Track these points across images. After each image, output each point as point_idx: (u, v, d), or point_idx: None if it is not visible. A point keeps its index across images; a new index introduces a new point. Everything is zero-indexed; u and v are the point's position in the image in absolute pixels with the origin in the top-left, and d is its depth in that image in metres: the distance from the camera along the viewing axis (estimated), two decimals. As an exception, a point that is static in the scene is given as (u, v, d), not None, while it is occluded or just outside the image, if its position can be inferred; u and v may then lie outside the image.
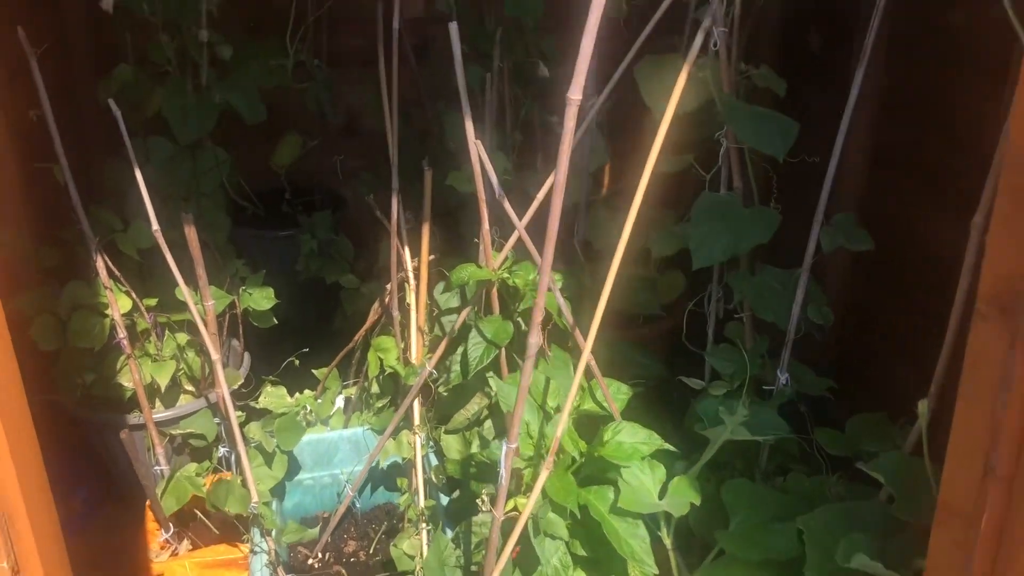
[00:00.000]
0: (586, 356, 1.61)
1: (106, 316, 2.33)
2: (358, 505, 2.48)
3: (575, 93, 1.26)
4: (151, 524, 2.33)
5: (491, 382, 1.99)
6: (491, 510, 1.59)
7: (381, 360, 2.44)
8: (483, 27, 3.04)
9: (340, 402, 2.60)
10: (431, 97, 3.31)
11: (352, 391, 2.61)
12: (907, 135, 2.36)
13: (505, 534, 1.61)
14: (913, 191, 2.33)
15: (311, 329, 2.81)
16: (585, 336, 1.68)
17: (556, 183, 1.32)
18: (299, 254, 3.13)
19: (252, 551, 2.10)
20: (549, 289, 1.83)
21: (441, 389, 2.35)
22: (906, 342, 2.32)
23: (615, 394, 1.89)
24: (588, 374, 1.89)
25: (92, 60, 2.88)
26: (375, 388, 2.61)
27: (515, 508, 1.61)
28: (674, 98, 1.60)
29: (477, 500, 1.69)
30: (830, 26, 2.80)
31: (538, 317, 1.41)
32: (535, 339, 1.43)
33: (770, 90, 2.09)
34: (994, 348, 1.08)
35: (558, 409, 1.83)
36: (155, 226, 2.02)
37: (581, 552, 1.78)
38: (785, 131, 1.93)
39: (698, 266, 2.03)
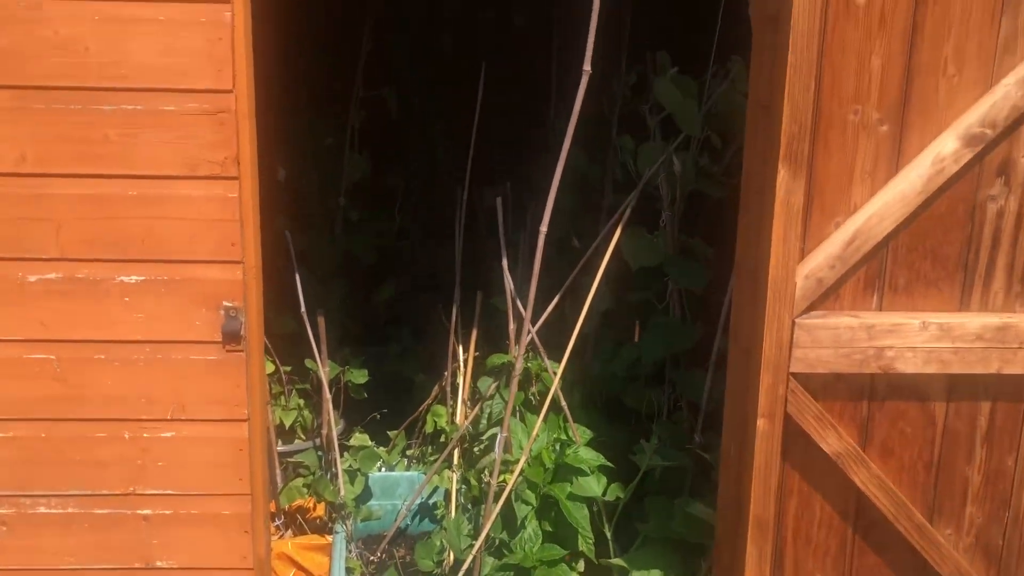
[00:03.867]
0: (555, 385, 2.67)
1: (257, 375, 3.49)
2: (410, 525, 3.48)
3: (544, 226, 2.40)
4: (267, 521, 3.38)
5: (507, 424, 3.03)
6: (489, 480, 2.61)
7: (435, 422, 3.52)
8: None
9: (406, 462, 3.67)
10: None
11: (415, 452, 3.68)
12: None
13: (496, 497, 2.62)
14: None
15: (389, 412, 3.91)
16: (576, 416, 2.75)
17: (532, 286, 2.45)
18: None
19: (335, 532, 3.12)
20: (538, 355, 2.92)
21: (475, 450, 3.39)
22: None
23: (581, 433, 2.93)
24: (564, 419, 2.93)
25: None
26: (431, 452, 3.67)
27: (504, 481, 2.63)
28: (608, 251, 2.73)
29: (481, 475, 2.70)
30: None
31: (522, 348, 2.50)
32: (519, 364, 2.51)
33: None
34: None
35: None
36: (303, 308, 3.21)
37: (548, 529, 2.76)
38: (700, 275, 3.04)
39: (647, 359, 3.09)
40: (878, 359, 2.00)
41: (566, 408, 2.90)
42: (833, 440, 2.04)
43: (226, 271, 2.00)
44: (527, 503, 2.67)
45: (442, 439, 3.63)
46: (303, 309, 3.25)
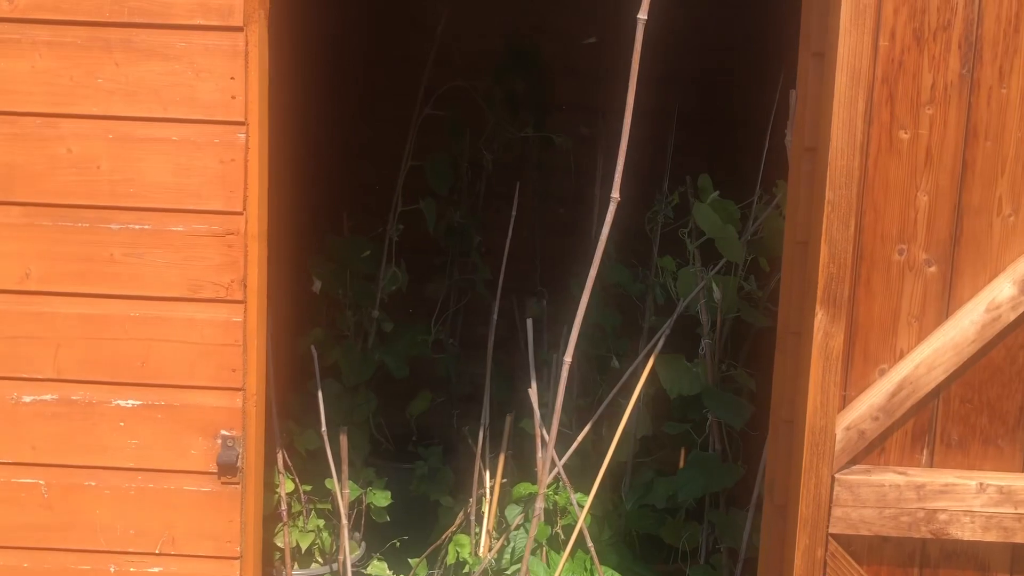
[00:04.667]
0: (580, 524, 2.49)
1: (276, 493, 3.36)
2: (426, 664, 3.26)
3: (568, 356, 2.27)
4: (275, 652, 3.20)
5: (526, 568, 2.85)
6: (506, 628, 2.42)
7: (458, 552, 3.33)
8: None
9: (426, 590, 3.47)
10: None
11: (436, 580, 3.48)
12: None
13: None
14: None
15: (412, 537, 3.75)
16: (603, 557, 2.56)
17: (554, 417, 2.31)
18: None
19: (344, 670, 2.92)
20: (563, 487, 2.75)
21: (499, 581, 3.19)
22: None
23: (608, 577, 2.72)
24: (591, 560, 2.74)
25: (294, 322, 4.15)
26: (453, 579, 3.47)
27: (521, 630, 2.43)
28: (641, 382, 2.58)
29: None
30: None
31: (543, 484, 2.34)
32: (540, 503, 2.34)
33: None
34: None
35: (568, 583, 2.67)
36: (323, 427, 3.10)
37: None
38: (742, 411, 2.85)
39: (683, 497, 2.89)
40: (929, 523, 1.80)
41: (592, 550, 2.71)
42: (879, 612, 1.83)
43: (225, 398, 1.90)
44: (546, 657, 2.46)
45: (465, 571, 3.43)
46: (324, 428, 3.12)
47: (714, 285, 2.89)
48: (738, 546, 2.82)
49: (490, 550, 3.30)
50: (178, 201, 1.86)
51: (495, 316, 3.42)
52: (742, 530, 2.82)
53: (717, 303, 2.91)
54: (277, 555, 3.37)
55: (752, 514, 2.80)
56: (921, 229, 1.80)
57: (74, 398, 1.90)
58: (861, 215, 1.79)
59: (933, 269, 1.81)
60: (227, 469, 1.90)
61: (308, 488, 3.44)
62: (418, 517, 3.95)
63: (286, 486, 3.37)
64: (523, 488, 3.01)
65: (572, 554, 2.94)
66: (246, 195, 1.86)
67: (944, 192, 1.79)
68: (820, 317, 1.77)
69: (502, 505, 3.35)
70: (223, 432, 1.90)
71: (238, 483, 1.92)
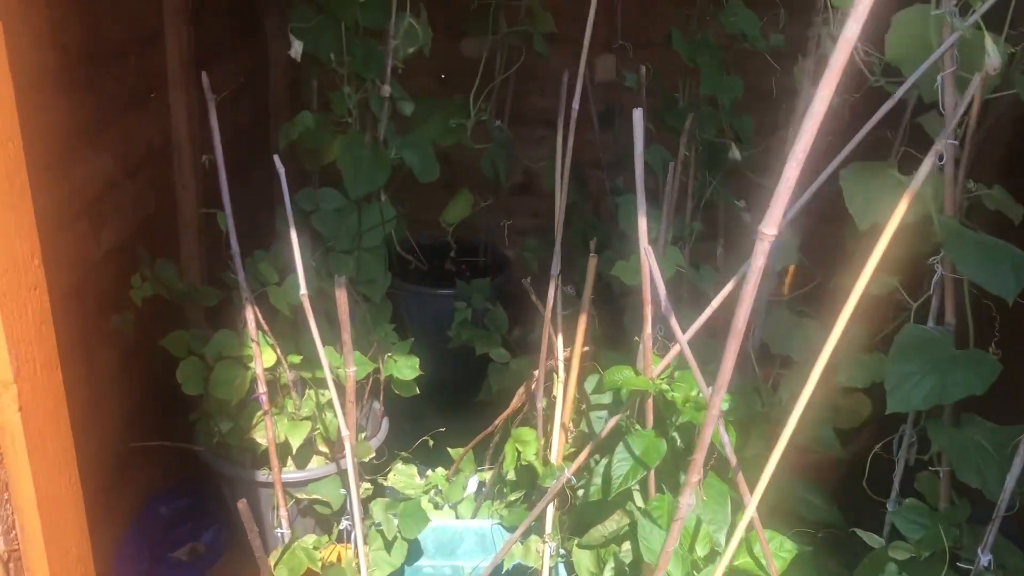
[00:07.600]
0: (750, 512, 1.37)
1: (249, 368, 2.28)
2: (477, 606, 2.30)
3: (769, 228, 1.04)
4: (265, 586, 2.25)
5: (634, 505, 1.78)
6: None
7: (519, 452, 2.27)
8: (674, 102, 2.85)
9: (472, 486, 2.45)
10: (610, 165, 3.17)
11: (486, 475, 2.46)
12: None
13: None
14: None
15: (454, 397, 2.71)
16: (752, 484, 1.43)
17: (734, 328, 1.11)
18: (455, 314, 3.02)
19: (357, 646, 1.96)
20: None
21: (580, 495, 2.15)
22: None
23: (776, 551, 1.63)
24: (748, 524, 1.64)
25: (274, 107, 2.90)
26: (511, 475, 2.45)
27: None
28: (892, 224, 1.34)
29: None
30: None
31: (693, 478, 1.19)
32: (686, 500, 1.21)
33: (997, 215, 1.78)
34: None
35: (707, 559, 1.58)
36: (303, 290, 1.94)
37: None
38: (1019, 268, 1.62)
39: (893, 410, 1.73)
40: None
41: (756, 519, 1.58)
42: None
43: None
44: None
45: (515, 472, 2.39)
46: (303, 290, 1.95)
47: (989, 42, 1.55)
48: (990, 491, 1.68)
49: (566, 452, 2.24)
50: None
51: (573, 83, 2.10)
52: (1000, 465, 1.68)
53: (987, 70, 1.57)
54: (261, 450, 2.35)
55: (1026, 445, 1.64)
56: None
57: None
58: None
59: None
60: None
61: (297, 360, 2.35)
62: (459, 371, 2.89)
63: (264, 358, 2.28)
64: (619, 376, 1.88)
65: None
66: None
67: None
68: None
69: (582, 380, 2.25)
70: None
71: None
